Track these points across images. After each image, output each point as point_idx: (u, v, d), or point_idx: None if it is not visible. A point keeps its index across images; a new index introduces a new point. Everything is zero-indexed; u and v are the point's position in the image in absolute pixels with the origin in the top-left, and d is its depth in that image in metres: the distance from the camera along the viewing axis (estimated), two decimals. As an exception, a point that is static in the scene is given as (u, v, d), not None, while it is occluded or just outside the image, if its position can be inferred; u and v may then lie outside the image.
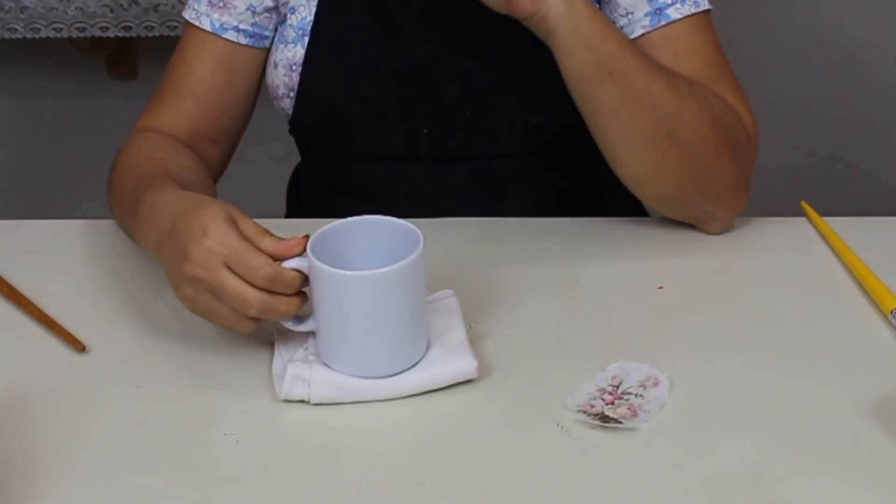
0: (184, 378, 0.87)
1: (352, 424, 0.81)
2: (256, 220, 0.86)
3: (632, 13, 1.09)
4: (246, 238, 0.84)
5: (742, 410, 0.82)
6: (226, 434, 0.80)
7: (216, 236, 0.83)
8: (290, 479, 0.75)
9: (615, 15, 1.11)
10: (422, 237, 0.83)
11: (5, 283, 1.01)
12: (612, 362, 0.87)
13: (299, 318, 0.86)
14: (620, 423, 0.80)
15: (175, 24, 2.06)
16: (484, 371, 0.86)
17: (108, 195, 1.11)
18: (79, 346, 0.91)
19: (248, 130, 1.23)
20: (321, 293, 0.83)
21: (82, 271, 1.06)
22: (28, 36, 2.17)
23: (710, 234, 1.08)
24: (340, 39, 1.15)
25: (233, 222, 0.85)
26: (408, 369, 0.84)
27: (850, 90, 2.34)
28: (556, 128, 1.16)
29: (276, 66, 1.17)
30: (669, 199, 1.06)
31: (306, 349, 0.86)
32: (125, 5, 2.15)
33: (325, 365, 0.84)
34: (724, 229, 1.09)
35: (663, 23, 1.08)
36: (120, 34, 2.17)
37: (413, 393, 0.84)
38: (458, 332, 0.88)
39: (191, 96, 1.16)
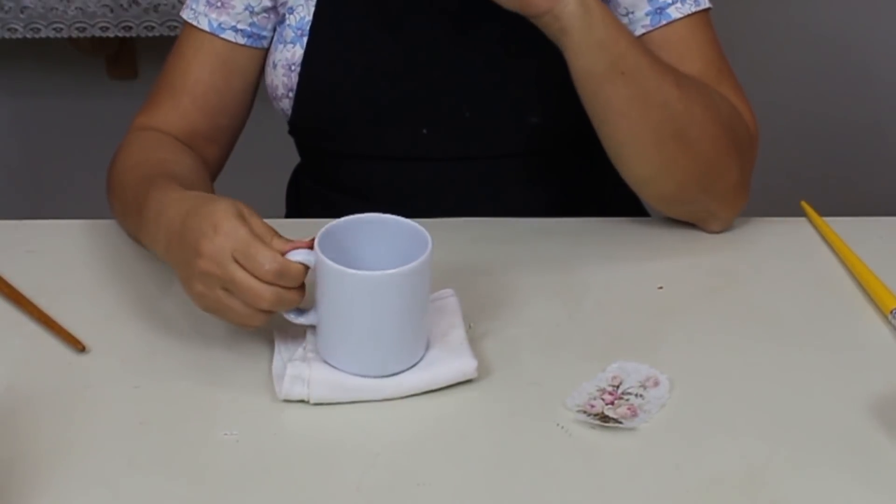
0: (184, 378, 0.87)
1: (352, 424, 0.81)
2: (258, 220, 0.86)
3: (632, 12, 1.09)
4: (255, 235, 0.84)
5: (742, 410, 0.82)
6: (226, 434, 0.80)
7: (227, 231, 0.84)
8: (290, 479, 0.75)
9: (615, 14, 1.11)
10: (430, 240, 0.83)
11: (5, 283, 1.01)
12: (612, 362, 0.87)
13: (300, 311, 0.86)
14: (620, 423, 0.80)
15: (175, 24, 2.06)
16: (484, 371, 0.86)
17: (109, 194, 1.11)
18: (79, 346, 0.91)
19: (247, 131, 1.23)
20: (325, 288, 0.83)
21: (82, 271, 1.06)
22: (28, 36, 2.17)
23: (710, 232, 1.08)
24: (339, 40, 1.15)
25: (242, 219, 0.85)
26: (407, 369, 0.84)
27: (850, 90, 2.34)
28: (556, 128, 1.16)
29: (274, 66, 1.17)
30: (674, 198, 1.06)
31: (305, 349, 0.86)
32: (125, 5, 2.15)
33: (325, 362, 0.84)
34: (725, 228, 1.09)
35: (664, 22, 1.08)
36: (120, 34, 2.17)
37: (413, 393, 0.84)
38: (458, 332, 0.88)
39: (188, 96, 1.16)
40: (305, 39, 1.15)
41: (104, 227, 1.14)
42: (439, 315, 0.90)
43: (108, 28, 2.16)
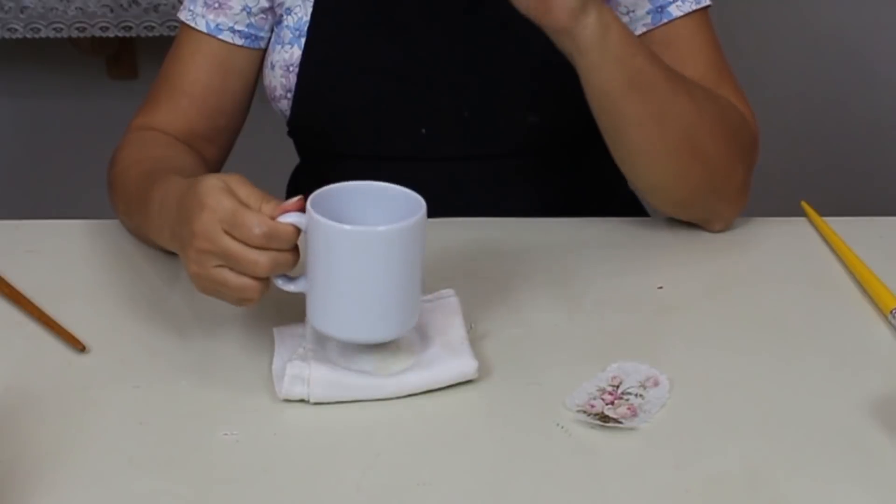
0: (184, 378, 0.87)
1: (352, 424, 0.81)
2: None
3: (633, 11, 1.09)
4: (242, 204, 0.83)
5: (742, 410, 0.82)
6: (226, 434, 0.80)
7: (213, 206, 0.83)
8: (290, 479, 0.75)
9: (616, 13, 1.11)
10: (424, 203, 0.83)
11: (5, 283, 1.01)
12: (612, 362, 0.87)
13: (289, 278, 0.85)
14: (620, 423, 0.80)
15: (175, 24, 2.06)
16: (484, 371, 0.86)
17: (111, 192, 1.11)
18: (79, 346, 0.91)
19: (247, 131, 1.23)
20: (317, 247, 0.82)
21: (82, 271, 1.06)
22: (28, 36, 2.17)
23: (712, 232, 1.08)
24: (337, 40, 1.15)
25: (228, 190, 0.84)
26: (405, 366, 0.84)
27: (850, 90, 2.34)
28: (555, 127, 1.16)
29: (272, 67, 1.17)
30: (684, 203, 1.07)
31: (305, 348, 0.86)
32: (125, 5, 2.15)
33: (323, 364, 0.84)
34: (727, 227, 1.09)
35: (665, 20, 1.08)
36: (120, 34, 2.17)
37: (413, 392, 0.84)
38: (458, 332, 0.88)
39: (186, 97, 1.16)
40: (303, 40, 1.14)
41: (104, 227, 1.14)
42: (439, 315, 0.90)
43: (108, 28, 2.16)
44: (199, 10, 1.16)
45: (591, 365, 0.87)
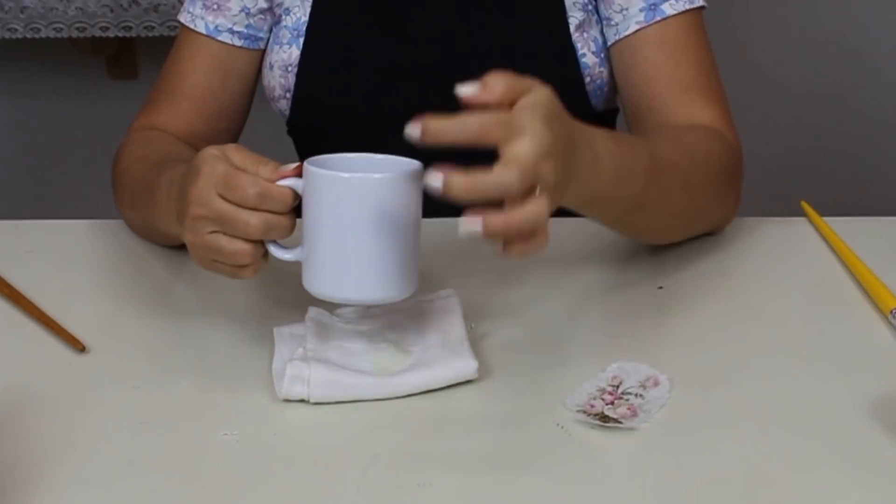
0: (184, 378, 0.87)
1: (352, 424, 0.81)
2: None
3: (626, 9, 1.10)
4: (236, 167, 0.83)
5: (742, 410, 0.82)
6: (226, 434, 0.80)
7: (206, 172, 0.82)
8: (290, 479, 0.75)
9: (609, 11, 1.11)
10: (421, 164, 0.82)
11: (5, 283, 1.01)
12: (612, 362, 0.87)
13: (286, 248, 0.84)
14: (620, 423, 0.80)
15: (175, 24, 2.06)
16: (484, 371, 0.86)
17: (115, 187, 1.11)
18: (79, 346, 0.91)
19: (247, 131, 1.23)
20: (314, 203, 0.81)
21: (82, 271, 1.06)
22: (28, 36, 2.17)
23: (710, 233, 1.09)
24: (335, 40, 1.15)
25: (224, 157, 0.83)
26: (405, 366, 0.84)
27: (850, 90, 2.34)
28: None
29: (271, 67, 1.17)
30: (681, 238, 1.07)
31: (305, 348, 0.86)
32: (125, 5, 2.15)
33: (323, 364, 0.84)
34: (723, 230, 1.10)
35: (658, 18, 1.08)
36: (120, 34, 2.17)
37: (413, 392, 0.84)
38: (458, 332, 0.88)
39: (186, 100, 1.16)
40: (302, 40, 1.15)
41: (104, 227, 1.14)
42: (439, 315, 0.90)
43: (108, 28, 2.16)
44: (198, 11, 1.16)
45: (591, 365, 0.87)
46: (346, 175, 0.80)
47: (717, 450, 0.77)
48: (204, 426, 0.81)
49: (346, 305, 0.94)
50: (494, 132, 0.74)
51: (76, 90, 2.36)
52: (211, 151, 0.84)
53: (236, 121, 1.21)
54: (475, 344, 0.88)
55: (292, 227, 0.83)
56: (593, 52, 1.13)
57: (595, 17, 1.14)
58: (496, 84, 0.76)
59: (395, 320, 0.90)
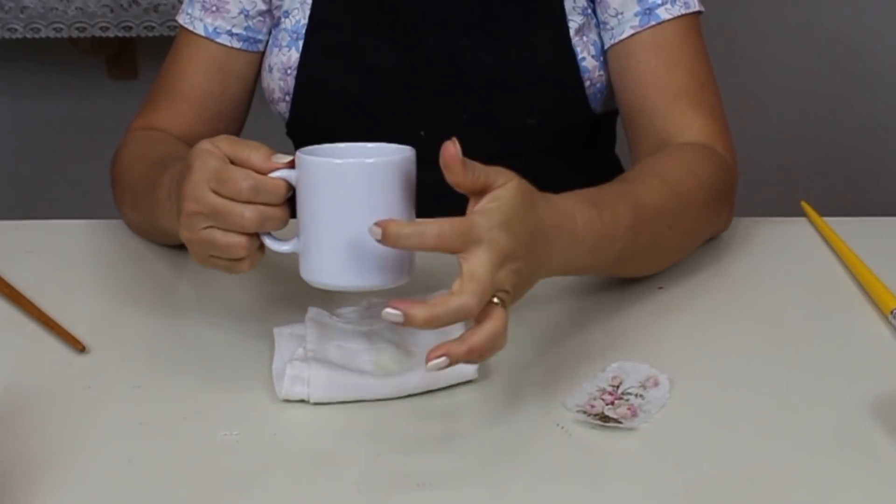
0: (184, 378, 0.87)
1: (352, 424, 0.81)
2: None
3: (622, 13, 1.09)
4: (231, 159, 0.82)
5: (742, 410, 0.82)
6: (226, 434, 0.80)
7: (198, 167, 0.82)
8: (290, 479, 0.75)
9: (605, 15, 1.11)
10: (413, 150, 0.82)
11: (5, 283, 1.01)
12: (612, 362, 0.87)
13: (281, 240, 0.84)
14: (620, 423, 0.80)
15: (175, 24, 2.07)
16: (484, 371, 0.86)
17: (115, 187, 1.11)
18: (79, 346, 0.91)
19: (246, 132, 1.23)
20: (308, 192, 0.81)
21: (82, 271, 1.06)
22: (28, 36, 2.17)
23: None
24: (335, 43, 1.15)
25: (215, 150, 0.83)
26: (405, 366, 0.84)
27: (851, 90, 2.34)
28: (554, 128, 1.16)
29: (271, 69, 1.17)
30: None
31: (305, 349, 0.86)
32: (125, 5, 2.15)
33: (324, 364, 0.84)
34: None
35: (653, 23, 1.08)
36: (120, 34, 2.17)
37: (413, 393, 0.84)
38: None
39: (185, 101, 1.16)
40: (301, 43, 1.15)
41: (104, 227, 1.14)
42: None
43: (108, 28, 2.16)
44: (196, 13, 1.16)
45: (591, 365, 0.87)
46: (338, 161, 0.80)
47: (716, 450, 0.77)
48: (204, 426, 0.81)
49: (346, 305, 0.94)
50: (451, 242, 0.76)
51: (76, 90, 2.36)
52: (203, 146, 0.83)
53: (235, 122, 1.21)
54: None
55: (287, 218, 0.83)
56: (593, 56, 1.13)
57: (594, 20, 1.14)
58: (469, 174, 0.78)
59: (395, 320, 0.90)
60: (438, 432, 0.80)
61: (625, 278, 1.00)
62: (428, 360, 0.74)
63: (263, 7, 1.16)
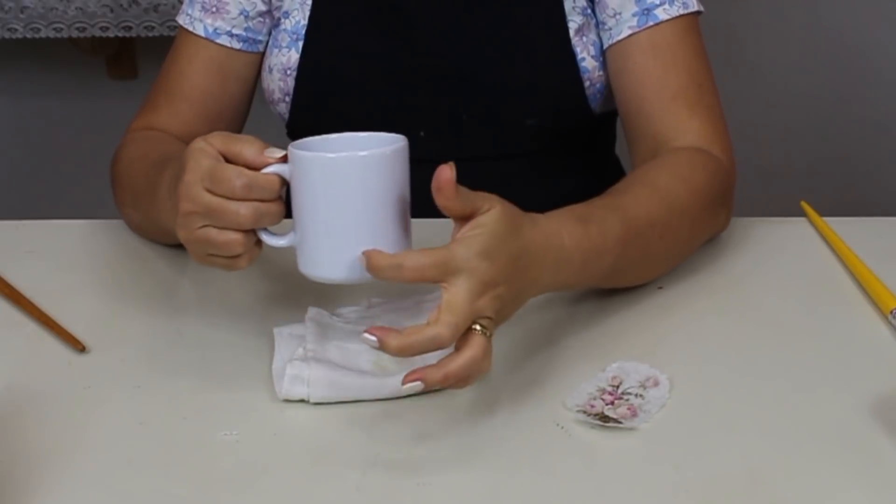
0: (184, 378, 0.87)
1: (352, 424, 0.81)
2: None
3: (620, 14, 1.09)
4: (225, 154, 0.82)
5: (742, 410, 0.82)
6: (226, 434, 0.80)
7: (191, 167, 0.82)
8: (290, 479, 0.75)
9: (604, 16, 1.11)
10: (405, 139, 0.82)
11: (5, 283, 1.01)
12: (612, 362, 0.87)
13: (277, 235, 0.84)
14: (620, 423, 0.80)
15: (175, 24, 2.07)
16: (484, 371, 0.86)
17: (115, 187, 1.11)
18: (79, 346, 0.91)
19: (247, 132, 1.23)
20: (302, 186, 0.81)
21: (82, 271, 1.06)
22: (28, 36, 2.17)
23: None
24: (334, 44, 1.15)
25: (208, 149, 0.83)
26: (405, 366, 0.84)
27: (851, 91, 2.34)
28: (553, 129, 1.16)
29: (270, 70, 1.17)
30: None
31: (305, 349, 0.86)
32: (125, 5, 2.15)
33: (324, 364, 0.84)
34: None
35: (651, 23, 1.08)
36: (120, 34, 2.17)
37: (413, 393, 0.84)
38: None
39: (185, 102, 1.16)
40: (301, 44, 1.15)
41: (104, 227, 1.14)
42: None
43: (108, 28, 2.16)
44: (196, 14, 1.16)
45: (591, 365, 0.87)
46: (331, 155, 0.80)
47: (716, 450, 0.77)
48: (204, 426, 0.81)
49: (346, 305, 0.94)
50: (429, 274, 0.76)
51: (76, 90, 2.36)
52: (196, 145, 0.83)
53: (235, 122, 1.21)
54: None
55: (282, 212, 0.83)
56: (592, 56, 1.13)
57: (593, 20, 1.14)
58: (459, 200, 0.78)
59: (395, 320, 0.90)
60: (438, 432, 0.80)
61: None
62: (403, 382, 0.75)
63: (263, 8, 1.16)
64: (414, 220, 0.84)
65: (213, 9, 1.15)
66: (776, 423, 0.80)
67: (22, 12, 2.13)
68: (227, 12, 1.15)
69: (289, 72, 1.15)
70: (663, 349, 0.90)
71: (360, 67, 1.15)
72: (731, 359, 0.89)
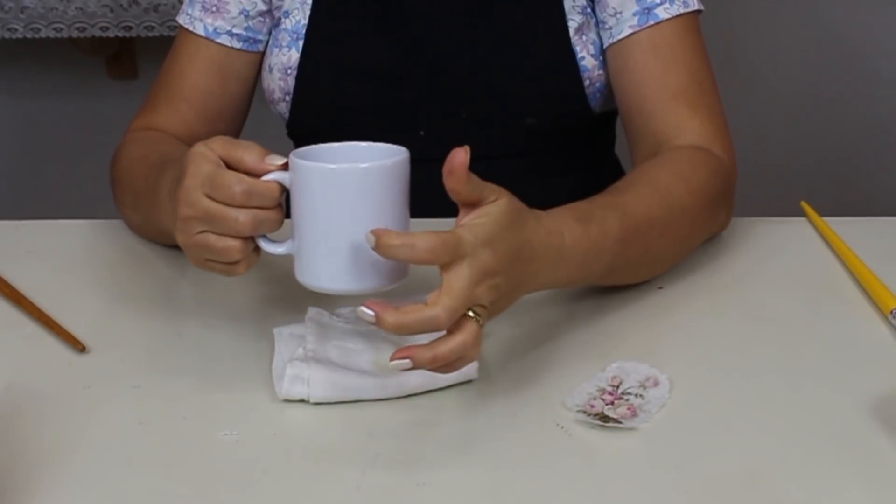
0: (184, 378, 0.87)
1: (352, 424, 0.81)
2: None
3: (620, 13, 1.09)
4: (225, 160, 0.82)
5: (742, 410, 0.82)
6: (226, 434, 0.80)
7: (192, 171, 0.82)
8: (290, 479, 0.75)
9: (604, 14, 1.11)
10: (407, 152, 0.82)
11: (5, 283, 1.01)
12: (612, 362, 0.87)
13: (276, 242, 0.84)
14: (620, 423, 0.80)
15: (175, 24, 2.07)
16: (484, 371, 0.86)
17: (115, 188, 1.11)
18: (79, 346, 0.91)
19: (247, 133, 1.23)
20: (302, 196, 0.81)
21: (82, 271, 1.06)
22: (28, 36, 2.17)
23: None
24: (335, 43, 1.15)
25: (209, 154, 0.83)
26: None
27: (851, 91, 2.34)
28: (553, 128, 1.16)
29: (271, 70, 1.17)
30: None
31: (305, 349, 0.86)
32: (125, 5, 2.15)
33: (324, 364, 0.84)
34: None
35: (651, 22, 1.08)
36: (120, 34, 2.17)
37: (413, 393, 0.84)
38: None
39: (185, 101, 1.16)
40: (301, 43, 1.15)
41: (104, 227, 1.14)
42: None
43: (108, 28, 2.16)
44: (196, 13, 1.16)
45: (591, 365, 0.87)
46: (332, 166, 0.80)
47: (716, 450, 0.77)
48: (204, 426, 0.81)
49: (346, 305, 0.94)
50: (441, 257, 0.76)
51: (76, 90, 2.36)
52: (197, 149, 0.83)
53: (235, 122, 1.21)
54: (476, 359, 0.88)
55: (281, 219, 0.83)
56: (592, 55, 1.13)
57: (593, 19, 1.14)
58: (468, 184, 0.79)
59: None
60: (438, 432, 0.80)
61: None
62: (392, 359, 0.75)
63: (263, 7, 1.16)
64: (414, 220, 0.84)
65: (214, 8, 1.15)
66: (776, 423, 0.80)
67: (22, 12, 2.13)
68: (228, 12, 1.15)
69: (289, 71, 1.15)
70: (663, 349, 0.90)
71: (359, 68, 1.15)
72: (731, 359, 0.89)
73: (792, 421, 0.81)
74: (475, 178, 0.79)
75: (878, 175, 2.37)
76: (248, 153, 0.82)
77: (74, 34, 2.15)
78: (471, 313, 0.77)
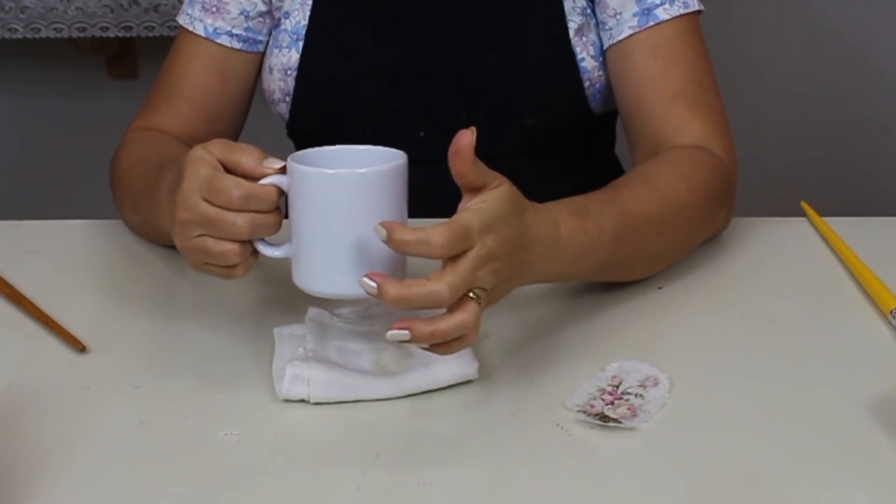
0: (184, 378, 0.87)
1: (352, 424, 0.81)
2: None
3: (620, 13, 1.09)
4: (224, 163, 0.82)
5: (742, 410, 0.82)
6: (226, 434, 0.80)
7: (190, 175, 0.82)
8: (290, 479, 0.75)
9: (604, 16, 1.11)
10: (404, 154, 0.82)
11: (5, 283, 1.01)
12: (612, 362, 0.87)
13: (273, 245, 0.84)
14: (620, 423, 0.80)
15: (175, 24, 2.07)
16: (484, 371, 0.86)
17: (114, 189, 1.11)
18: (79, 346, 0.91)
19: (247, 133, 1.23)
20: (300, 200, 0.81)
21: (82, 271, 1.06)
22: (28, 36, 2.17)
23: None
24: (335, 43, 1.15)
25: (207, 157, 0.83)
26: (405, 366, 0.84)
27: (851, 91, 2.34)
28: (553, 129, 1.16)
29: (271, 70, 1.17)
30: None
31: (305, 349, 0.86)
32: (125, 5, 2.15)
33: (324, 364, 0.84)
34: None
35: (651, 23, 1.08)
36: (120, 34, 2.17)
37: (413, 393, 0.84)
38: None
39: (185, 102, 1.16)
40: (301, 44, 1.15)
41: (104, 227, 1.14)
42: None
43: (108, 28, 2.16)
44: (196, 13, 1.16)
45: (590, 365, 0.87)
46: (330, 171, 0.80)
47: (716, 450, 0.77)
48: (204, 426, 0.81)
49: (346, 305, 0.94)
50: (455, 249, 0.76)
51: (76, 90, 2.36)
52: (195, 153, 0.84)
53: (235, 122, 1.21)
54: (475, 344, 0.88)
55: (279, 223, 0.83)
56: (592, 56, 1.13)
57: (593, 20, 1.14)
58: (474, 167, 0.79)
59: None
60: (438, 432, 0.80)
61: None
62: (390, 329, 0.75)
63: (263, 8, 1.16)
64: (414, 220, 0.84)
65: (214, 9, 1.15)
66: (776, 423, 0.80)
67: (22, 12, 2.13)
68: (228, 12, 1.15)
69: (289, 72, 1.15)
70: (663, 349, 0.90)
71: (360, 68, 1.15)
72: (731, 359, 0.89)
73: (792, 421, 0.81)
74: (480, 163, 0.79)
75: (878, 175, 2.37)
76: (246, 156, 0.82)
77: (75, 34, 2.15)
78: (472, 294, 0.77)
